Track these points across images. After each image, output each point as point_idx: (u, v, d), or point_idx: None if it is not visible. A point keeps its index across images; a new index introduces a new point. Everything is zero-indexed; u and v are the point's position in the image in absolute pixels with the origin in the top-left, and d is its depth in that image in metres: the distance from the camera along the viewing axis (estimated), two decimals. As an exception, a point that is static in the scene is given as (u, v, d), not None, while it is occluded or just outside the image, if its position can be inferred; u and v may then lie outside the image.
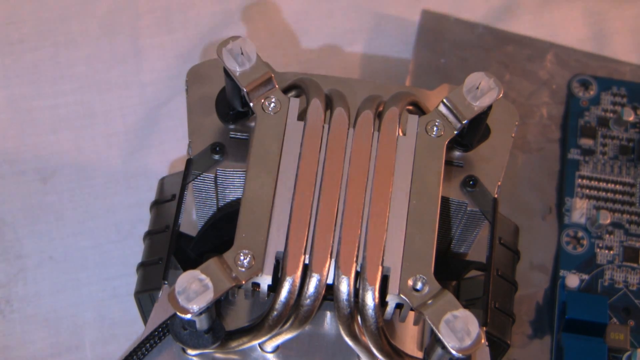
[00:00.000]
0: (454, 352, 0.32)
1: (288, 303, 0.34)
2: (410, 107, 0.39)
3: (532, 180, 0.51)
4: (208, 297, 0.32)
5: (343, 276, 0.34)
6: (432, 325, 0.32)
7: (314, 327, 0.39)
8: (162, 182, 0.43)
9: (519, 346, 0.47)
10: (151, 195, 0.43)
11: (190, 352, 0.37)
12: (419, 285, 0.34)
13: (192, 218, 0.47)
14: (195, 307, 0.32)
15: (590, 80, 0.53)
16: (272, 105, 0.38)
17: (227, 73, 0.37)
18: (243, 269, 0.34)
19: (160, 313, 0.37)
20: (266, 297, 0.36)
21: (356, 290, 0.34)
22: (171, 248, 0.38)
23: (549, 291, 0.48)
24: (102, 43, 0.56)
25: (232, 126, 0.39)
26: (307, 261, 0.35)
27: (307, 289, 0.34)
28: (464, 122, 0.37)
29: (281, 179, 0.36)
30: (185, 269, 0.33)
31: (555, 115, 0.53)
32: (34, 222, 0.51)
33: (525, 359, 0.47)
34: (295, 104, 0.38)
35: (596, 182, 0.50)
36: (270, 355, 0.39)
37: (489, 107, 0.38)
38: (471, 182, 0.39)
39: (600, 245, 0.49)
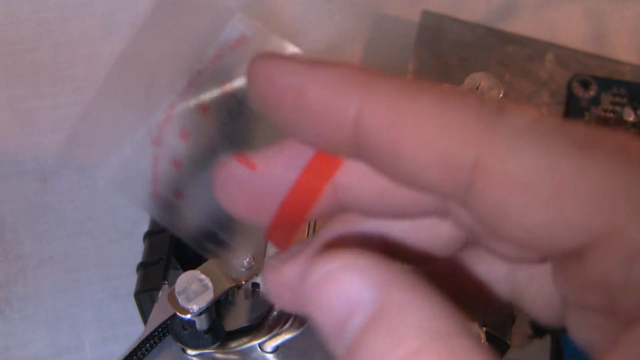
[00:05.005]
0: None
1: (288, 303, 0.34)
2: (410, 107, 0.39)
3: (532, 180, 0.51)
4: (208, 297, 0.32)
5: (343, 276, 0.34)
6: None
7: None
8: (162, 182, 0.43)
9: (519, 346, 0.47)
10: (151, 195, 0.43)
11: (190, 352, 0.37)
12: (418, 286, 0.34)
13: (192, 218, 0.46)
14: (195, 307, 0.32)
15: (590, 80, 0.53)
16: (272, 105, 0.38)
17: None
18: (243, 269, 0.34)
19: (160, 313, 0.37)
20: (266, 297, 0.36)
21: (356, 291, 0.34)
22: (171, 248, 0.38)
23: (549, 291, 0.48)
24: (102, 43, 0.56)
25: (232, 126, 0.39)
26: (307, 261, 0.35)
27: (307, 289, 0.34)
28: (464, 122, 0.37)
29: (281, 179, 0.36)
30: (185, 269, 0.33)
31: (555, 116, 0.53)
32: (34, 222, 0.51)
33: (525, 359, 0.47)
34: (295, 104, 0.38)
35: (596, 182, 0.50)
36: (270, 356, 0.39)
37: (489, 107, 0.38)
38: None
39: (600, 245, 0.49)
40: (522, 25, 0.57)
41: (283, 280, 0.21)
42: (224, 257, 0.21)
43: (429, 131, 0.18)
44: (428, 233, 0.21)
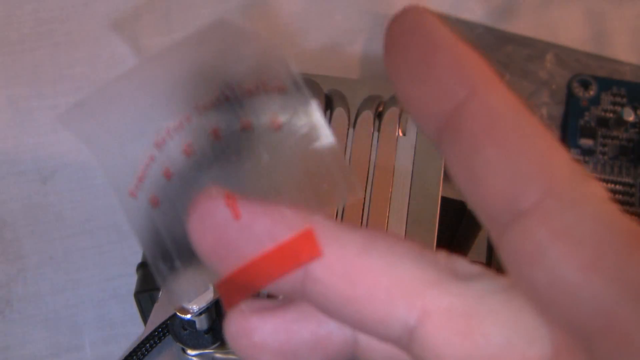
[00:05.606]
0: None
1: (288, 303, 0.34)
2: (410, 107, 0.39)
3: (532, 180, 0.51)
4: (208, 297, 0.32)
5: (343, 276, 0.34)
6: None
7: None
8: (162, 182, 0.43)
9: None
10: (151, 195, 0.43)
11: (190, 352, 0.37)
12: (419, 286, 0.34)
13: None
14: (195, 307, 0.32)
15: (590, 80, 0.53)
16: (272, 105, 0.38)
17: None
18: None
19: (160, 313, 0.37)
20: (266, 297, 0.36)
21: (356, 291, 0.34)
22: (171, 248, 0.38)
23: (549, 291, 0.48)
24: (102, 43, 0.56)
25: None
26: (307, 261, 0.35)
27: (307, 289, 0.34)
28: (464, 122, 0.37)
29: (281, 179, 0.36)
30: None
31: (555, 115, 0.53)
32: (34, 222, 0.51)
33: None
34: (295, 104, 0.38)
35: (596, 182, 0.50)
36: (270, 355, 0.39)
37: (489, 107, 0.38)
38: (471, 182, 0.39)
39: (600, 245, 0.49)
40: (522, 25, 0.57)
41: (246, 328, 0.20)
42: (169, 287, 0.21)
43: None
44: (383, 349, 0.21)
